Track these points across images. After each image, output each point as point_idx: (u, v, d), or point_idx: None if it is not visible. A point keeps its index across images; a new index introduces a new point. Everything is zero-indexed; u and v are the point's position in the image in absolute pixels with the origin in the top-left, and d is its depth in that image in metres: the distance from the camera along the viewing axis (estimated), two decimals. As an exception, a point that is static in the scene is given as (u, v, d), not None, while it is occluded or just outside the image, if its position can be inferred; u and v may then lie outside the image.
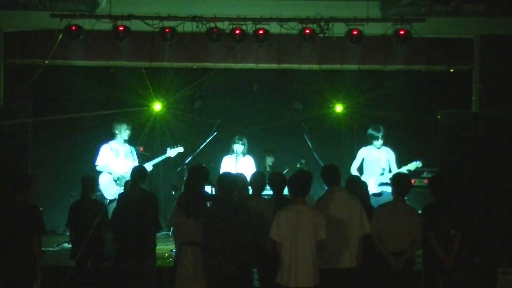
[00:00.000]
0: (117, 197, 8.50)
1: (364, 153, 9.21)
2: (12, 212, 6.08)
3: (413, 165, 8.98)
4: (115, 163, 8.86)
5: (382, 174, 8.99)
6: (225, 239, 5.89)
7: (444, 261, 6.45)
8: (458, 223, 6.49)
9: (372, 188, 8.94)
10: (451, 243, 6.47)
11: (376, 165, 9.06)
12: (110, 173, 8.80)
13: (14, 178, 6.25)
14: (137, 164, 8.67)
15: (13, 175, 6.33)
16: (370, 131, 9.11)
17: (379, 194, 8.82)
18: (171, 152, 9.23)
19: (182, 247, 6.29)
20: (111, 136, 9.02)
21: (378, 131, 9.02)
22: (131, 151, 9.02)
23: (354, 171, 9.16)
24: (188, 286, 6.18)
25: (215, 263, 5.93)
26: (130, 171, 8.49)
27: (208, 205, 6.45)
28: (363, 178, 9.03)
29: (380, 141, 9.03)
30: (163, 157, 9.18)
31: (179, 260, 6.29)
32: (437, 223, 6.46)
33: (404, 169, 8.91)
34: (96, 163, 8.87)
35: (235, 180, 6.26)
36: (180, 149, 9.30)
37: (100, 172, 8.78)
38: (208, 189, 7.96)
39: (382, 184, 8.95)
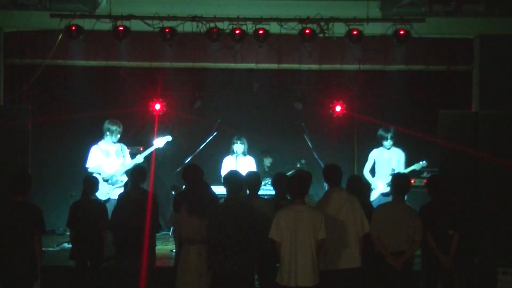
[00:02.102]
0: (110, 197, 8.54)
1: (375, 154, 9.24)
2: (13, 212, 6.08)
3: (419, 165, 9.09)
4: (106, 163, 8.77)
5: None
6: (229, 238, 5.89)
7: (442, 261, 6.45)
8: (456, 223, 6.49)
9: (381, 188, 8.99)
10: (449, 243, 6.47)
11: (387, 166, 9.09)
12: (100, 174, 8.71)
13: (15, 179, 6.25)
14: (127, 161, 8.66)
15: (14, 176, 6.33)
16: (379, 132, 9.15)
17: (388, 194, 8.84)
18: (158, 142, 9.13)
19: (185, 245, 6.29)
20: (102, 136, 8.94)
21: (387, 132, 9.06)
22: (121, 149, 8.96)
23: (366, 173, 9.19)
24: (192, 285, 6.18)
25: (218, 261, 5.93)
26: (120, 168, 8.53)
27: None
28: (374, 179, 9.08)
29: (389, 142, 9.06)
30: (151, 149, 9.07)
31: (182, 258, 6.29)
32: (435, 223, 6.46)
33: (409, 169, 8.96)
34: (87, 165, 8.77)
35: (241, 179, 6.28)
36: (168, 138, 9.18)
37: (90, 173, 8.70)
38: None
39: None
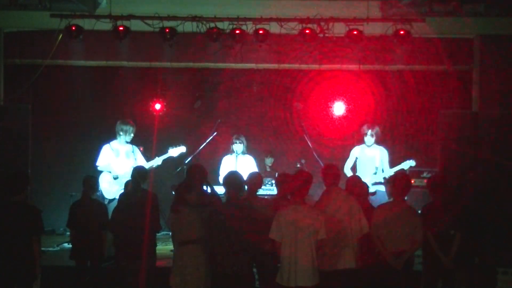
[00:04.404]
0: (116, 197, 8.55)
1: (357, 152, 9.25)
2: (11, 212, 6.07)
3: (407, 164, 9.04)
4: (116, 163, 8.89)
5: (376, 173, 9.03)
6: (229, 238, 5.90)
7: (443, 261, 6.44)
8: (457, 223, 6.49)
9: None
10: (451, 243, 6.46)
11: (369, 164, 9.11)
12: (110, 172, 8.82)
13: (10, 178, 6.25)
14: (139, 163, 8.69)
15: (9, 175, 6.33)
16: (363, 128, 9.15)
17: (373, 193, 8.84)
18: (173, 152, 9.22)
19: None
20: (112, 136, 9.02)
21: (370, 128, 9.06)
22: (132, 151, 9.03)
23: (347, 170, 9.18)
24: (177, 285, 6.20)
25: (218, 262, 5.94)
26: (130, 170, 8.55)
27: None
28: None
29: (370, 138, 9.05)
30: (165, 156, 9.18)
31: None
32: (436, 223, 6.46)
33: (397, 168, 8.94)
34: (97, 164, 8.90)
35: (241, 180, 6.28)
36: (183, 149, 9.30)
37: (100, 172, 8.81)
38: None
39: (376, 183, 8.99)
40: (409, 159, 9.06)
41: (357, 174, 9.06)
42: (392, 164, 9.13)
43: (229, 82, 11.01)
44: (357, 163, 9.24)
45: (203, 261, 6.06)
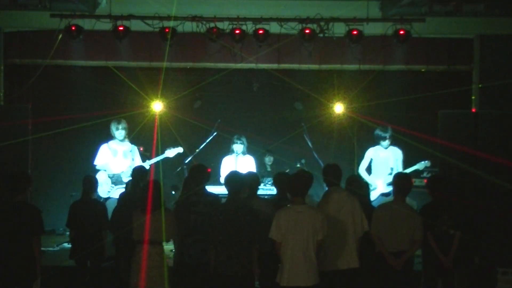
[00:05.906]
0: (111, 196, 8.57)
1: (372, 153, 9.24)
2: (12, 212, 6.07)
3: (422, 165, 9.08)
4: (112, 162, 8.90)
5: (391, 174, 8.99)
6: (229, 238, 5.90)
7: (442, 261, 6.45)
8: (457, 223, 6.49)
9: (381, 188, 8.99)
10: (450, 243, 6.47)
11: (384, 165, 9.10)
12: (105, 171, 8.83)
13: (13, 178, 6.25)
14: (137, 163, 8.68)
15: (12, 175, 6.33)
16: (377, 131, 9.15)
17: (387, 194, 8.85)
18: (170, 153, 9.22)
19: None
20: (111, 136, 9.05)
21: (386, 131, 9.07)
22: (131, 151, 9.03)
23: (362, 171, 9.19)
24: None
25: (219, 262, 5.94)
26: (127, 170, 8.55)
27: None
28: (371, 178, 9.08)
29: (387, 141, 9.06)
30: (162, 157, 9.19)
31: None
32: (436, 223, 6.46)
33: (412, 169, 8.95)
34: (95, 163, 8.93)
35: (242, 180, 6.28)
36: (180, 150, 9.31)
37: (97, 170, 8.82)
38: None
39: (391, 183, 8.97)
40: (424, 159, 9.08)
41: (371, 175, 9.13)
42: (406, 164, 9.13)
43: (229, 82, 11.01)
44: (372, 164, 9.24)
45: (163, 262, 6.10)
